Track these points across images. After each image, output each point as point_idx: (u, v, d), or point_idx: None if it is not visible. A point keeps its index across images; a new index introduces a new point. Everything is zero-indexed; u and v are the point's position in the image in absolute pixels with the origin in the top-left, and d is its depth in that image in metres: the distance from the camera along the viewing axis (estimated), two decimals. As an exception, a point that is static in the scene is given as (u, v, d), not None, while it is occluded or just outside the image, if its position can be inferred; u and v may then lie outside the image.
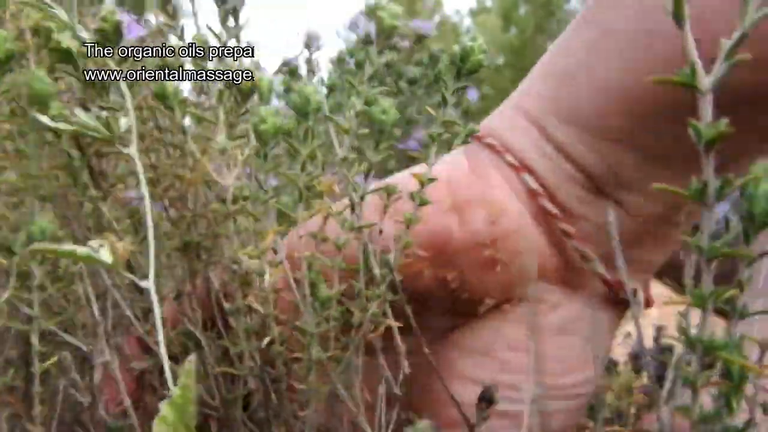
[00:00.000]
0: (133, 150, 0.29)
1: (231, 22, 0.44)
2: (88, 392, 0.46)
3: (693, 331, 0.33)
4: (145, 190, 0.30)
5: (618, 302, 0.49)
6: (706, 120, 0.19)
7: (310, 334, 0.41)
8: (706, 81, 0.18)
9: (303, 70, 1.31)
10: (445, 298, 0.48)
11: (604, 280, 0.48)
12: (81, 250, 0.29)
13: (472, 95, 1.62)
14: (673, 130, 0.42)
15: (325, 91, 1.27)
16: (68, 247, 0.29)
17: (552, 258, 0.48)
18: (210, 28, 0.42)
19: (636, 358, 1.21)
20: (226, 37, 0.42)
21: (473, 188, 0.49)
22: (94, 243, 0.29)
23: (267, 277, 0.40)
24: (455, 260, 0.48)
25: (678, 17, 0.17)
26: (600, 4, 0.48)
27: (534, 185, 0.48)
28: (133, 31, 0.41)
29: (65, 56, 0.37)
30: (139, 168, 0.30)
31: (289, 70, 1.31)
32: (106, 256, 0.29)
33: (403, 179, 0.46)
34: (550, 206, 0.48)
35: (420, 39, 1.59)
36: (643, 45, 0.44)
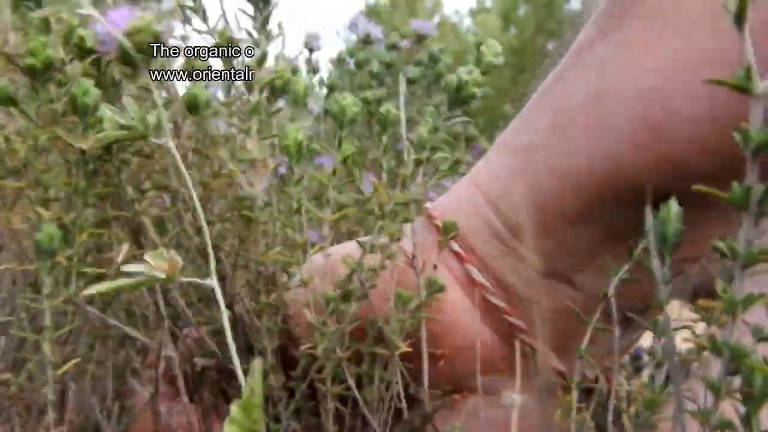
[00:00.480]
0: (169, 143, 0.29)
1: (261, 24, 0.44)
2: (151, 384, 0.46)
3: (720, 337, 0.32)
4: (190, 185, 0.30)
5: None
6: (757, 125, 0.19)
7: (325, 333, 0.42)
8: (760, 85, 0.18)
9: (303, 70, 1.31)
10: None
11: (557, 370, 0.47)
12: (131, 279, 0.30)
13: (473, 95, 1.62)
14: (628, 208, 0.42)
15: (324, 90, 1.26)
16: (120, 281, 0.30)
17: (500, 349, 0.47)
18: (249, 32, 0.42)
19: (636, 359, 1.21)
20: (264, 42, 0.42)
21: (415, 276, 0.46)
22: (147, 258, 0.29)
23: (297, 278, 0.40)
24: None
25: (738, 20, 0.17)
26: (556, 86, 0.47)
27: (478, 277, 0.47)
28: (120, 24, 0.39)
29: (87, 56, 0.37)
30: (178, 159, 0.29)
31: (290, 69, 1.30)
32: (159, 272, 0.29)
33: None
34: (496, 300, 0.46)
35: (420, 39, 1.59)
36: (597, 128, 0.44)
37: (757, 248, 0.24)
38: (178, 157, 0.30)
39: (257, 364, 0.32)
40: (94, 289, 0.32)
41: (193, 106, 0.39)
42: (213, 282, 0.32)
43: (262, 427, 0.32)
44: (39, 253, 0.38)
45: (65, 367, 0.40)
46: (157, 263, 0.31)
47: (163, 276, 0.31)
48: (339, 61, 1.44)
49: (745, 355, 0.32)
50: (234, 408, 0.32)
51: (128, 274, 0.31)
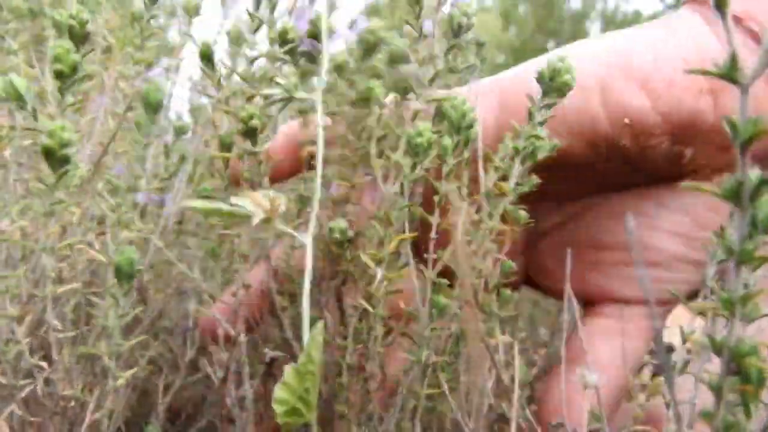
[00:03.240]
0: (317, 96, 0.31)
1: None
2: (222, 369, 0.49)
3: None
4: (320, 141, 0.32)
5: None
6: (744, 116, 0.18)
7: (423, 338, 0.43)
8: (746, 72, 0.17)
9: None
10: (666, 166, 0.49)
11: None
12: (227, 207, 0.29)
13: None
14: None
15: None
16: (216, 204, 0.29)
17: None
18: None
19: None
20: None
21: None
22: (252, 195, 0.29)
23: (379, 276, 0.41)
24: (698, 140, 0.48)
25: (719, 7, 0.16)
26: None
27: None
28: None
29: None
30: (320, 119, 0.31)
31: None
32: (257, 212, 0.29)
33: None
34: None
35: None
36: None
37: (752, 246, 0.23)
38: (321, 118, 0.33)
39: (318, 328, 0.31)
40: (191, 203, 0.32)
41: (365, 98, 0.42)
42: (308, 238, 0.32)
43: (314, 398, 0.30)
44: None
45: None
46: (261, 202, 0.31)
47: (262, 216, 0.31)
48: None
49: (746, 354, 0.31)
50: (288, 372, 0.30)
51: (230, 206, 0.31)
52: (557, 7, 9.41)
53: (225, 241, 0.50)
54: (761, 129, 0.18)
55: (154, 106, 0.45)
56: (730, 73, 0.17)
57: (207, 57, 0.50)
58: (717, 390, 0.33)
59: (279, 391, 0.29)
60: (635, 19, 9.17)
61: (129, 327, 0.47)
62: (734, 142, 0.18)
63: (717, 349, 0.31)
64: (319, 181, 0.33)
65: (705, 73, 0.17)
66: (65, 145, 0.35)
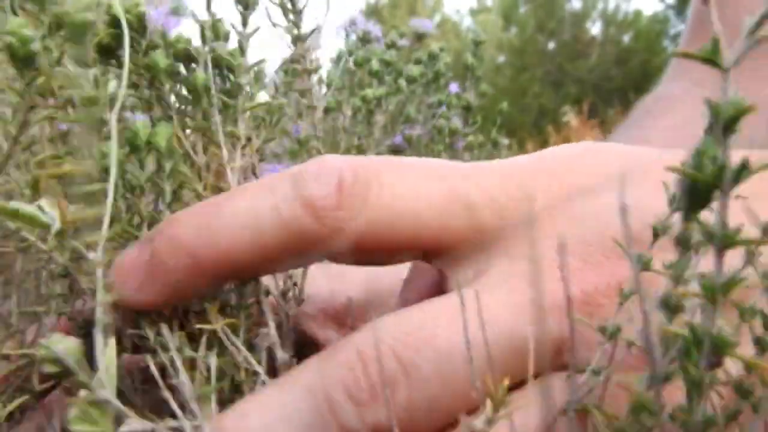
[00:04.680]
0: (112, 116, 0.28)
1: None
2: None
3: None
4: (114, 155, 0.28)
5: None
6: (727, 97, 0.18)
7: None
8: (728, 56, 0.17)
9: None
10: None
11: None
12: (26, 208, 0.27)
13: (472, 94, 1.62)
14: None
15: (325, 89, 1.27)
16: (13, 204, 0.27)
17: None
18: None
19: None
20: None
21: None
22: (42, 203, 0.27)
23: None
24: None
25: (704, -12, 0.16)
26: None
27: None
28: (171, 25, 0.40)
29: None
30: (114, 132, 0.28)
31: (292, 68, 1.30)
32: (53, 218, 0.27)
33: None
34: None
35: (420, 38, 1.58)
36: None
37: (734, 230, 0.23)
38: (114, 131, 0.29)
39: (110, 342, 0.26)
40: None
41: (192, 90, 0.36)
42: (98, 255, 0.27)
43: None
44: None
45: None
46: (51, 206, 0.28)
47: (56, 225, 0.28)
48: (339, 60, 1.44)
49: (729, 346, 0.31)
50: (79, 401, 0.26)
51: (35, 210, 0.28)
52: (557, 7, 9.43)
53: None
54: (744, 109, 0.18)
55: (21, 59, 0.39)
56: (711, 56, 0.17)
57: (20, 57, 0.43)
58: (697, 385, 0.33)
59: (76, 425, 0.26)
60: (636, 19, 9.17)
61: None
62: (716, 123, 0.19)
63: (697, 339, 0.31)
64: (111, 189, 0.29)
65: (687, 55, 0.17)
66: (29, 42, 0.33)
